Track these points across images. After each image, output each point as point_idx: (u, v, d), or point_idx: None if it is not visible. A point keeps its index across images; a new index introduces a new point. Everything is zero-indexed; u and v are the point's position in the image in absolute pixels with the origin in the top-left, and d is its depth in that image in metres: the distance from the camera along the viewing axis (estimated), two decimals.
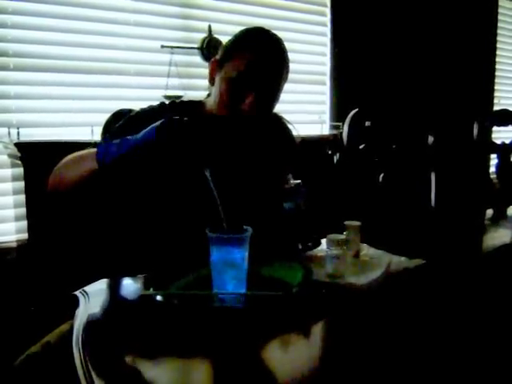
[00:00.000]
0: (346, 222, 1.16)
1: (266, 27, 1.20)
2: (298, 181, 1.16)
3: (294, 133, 1.39)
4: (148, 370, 0.66)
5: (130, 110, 1.29)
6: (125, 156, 0.96)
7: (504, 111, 2.60)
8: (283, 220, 1.17)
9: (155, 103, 1.25)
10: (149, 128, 0.96)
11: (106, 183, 1.03)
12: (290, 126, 1.38)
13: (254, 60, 1.11)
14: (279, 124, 1.37)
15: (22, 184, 1.71)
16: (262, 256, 0.93)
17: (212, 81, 1.18)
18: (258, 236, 0.87)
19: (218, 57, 1.18)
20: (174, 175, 1.11)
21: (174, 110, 1.18)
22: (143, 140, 0.95)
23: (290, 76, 1.22)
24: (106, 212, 1.24)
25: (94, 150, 1.00)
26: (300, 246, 1.18)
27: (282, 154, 1.31)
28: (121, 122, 1.20)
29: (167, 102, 1.27)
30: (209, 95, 1.27)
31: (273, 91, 1.17)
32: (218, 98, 1.15)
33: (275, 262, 1.03)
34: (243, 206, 1.16)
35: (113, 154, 0.96)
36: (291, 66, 1.21)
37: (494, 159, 2.88)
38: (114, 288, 1.00)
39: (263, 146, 1.27)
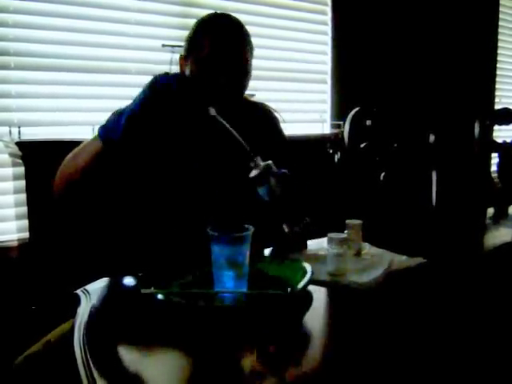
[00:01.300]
0: (348, 221, 1.16)
1: (267, 26, 1.21)
2: (268, 162, 1.03)
3: (281, 123, 1.39)
4: (149, 368, 0.66)
5: None
6: (127, 123, 0.96)
7: (505, 110, 2.59)
8: (259, 206, 1.14)
9: None
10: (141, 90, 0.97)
11: (115, 160, 1.03)
12: (276, 115, 1.38)
13: (214, 44, 1.13)
14: (265, 115, 1.36)
15: (23, 183, 1.71)
16: (258, 253, 0.92)
17: None
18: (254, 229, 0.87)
19: (183, 52, 1.20)
20: (177, 127, 1.11)
21: None
22: (138, 99, 0.96)
23: (291, 75, 1.22)
24: (107, 211, 1.24)
25: (95, 134, 1.02)
26: (286, 229, 1.14)
27: (268, 145, 1.30)
28: None
29: None
30: None
31: (241, 69, 1.17)
32: None
33: (276, 260, 1.03)
34: (231, 202, 1.17)
35: (115, 128, 0.97)
36: (292, 65, 1.21)
37: (495, 158, 2.87)
38: (115, 286, 1.00)
39: (247, 137, 1.28)
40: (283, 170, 1.05)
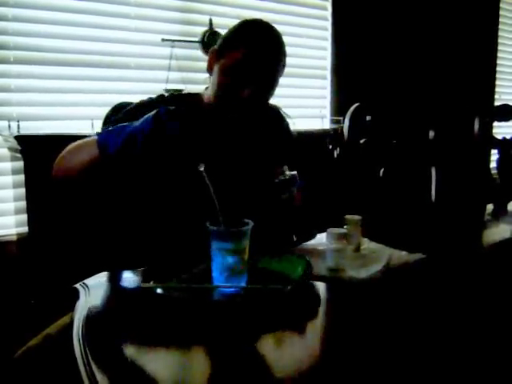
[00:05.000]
0: (347, 216, 1.16)
1: (267, 21, 1.20)
2: (294, 172, 1.11)
3: (292, 126, 1.40)
4: (148, 362, 0.66)
5: (130, 103, 1.29)
6: (123, 147, 0.94)
7: (505, 106, 2.59)
8: (278, 212, 1.16)
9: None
10: (144, 118, 0.94)
11: (109, 171, 1.02)
12: (287, 119, 1.39)
13: (251, 52, 1.12)
14: (276, 116, 1.37)
15: (22, 177, 1.70)
16: (257, 248, 0.92)
17: (210, 70, 1.19)
18: (254, 228, 0.87)
19: (216, 47, 1.18)
20: (169, 169, 1.10)
21: (173, 102, 1.18)
22: (139, 130, 0.93)
23: (291, 70, 1.22)
24: (106, 205, 1.24)
25: (96, 137, 0.99)
26: (295, 239, 1.17)
27: (278, 146, 1.31)
28: (120, 115, 1.20)
29: (166, 94, 1.27)
30: (207, 88, 1.27)
31: (268, 83, 1.17)
32: (215, 87, 1.16)
33: (275, 255, 1.03)
34: (239, 200, 1.17)
35: (113, 144, 0.95)
36: (292, 60, 1.21)
37: (494, 154, 2.87)
38: (114, 281, 1.00)
39: (259, 138, 1.27)
40: (302, 181, 1.13)
